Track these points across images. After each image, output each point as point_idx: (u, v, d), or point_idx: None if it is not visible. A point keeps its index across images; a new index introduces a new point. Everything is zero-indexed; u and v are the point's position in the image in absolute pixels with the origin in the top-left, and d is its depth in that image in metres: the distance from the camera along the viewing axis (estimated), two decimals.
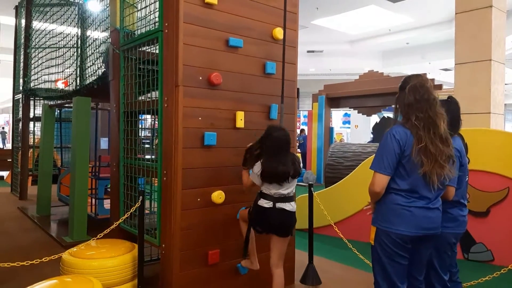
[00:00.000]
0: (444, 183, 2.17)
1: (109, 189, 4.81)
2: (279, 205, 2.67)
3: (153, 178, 3.17)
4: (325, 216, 3.83)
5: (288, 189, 2.72)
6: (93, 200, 5.14)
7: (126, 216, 3.15)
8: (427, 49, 15.50)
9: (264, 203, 2.68)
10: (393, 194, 2.18)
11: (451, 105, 2.56)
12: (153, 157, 3.47)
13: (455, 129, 2.55)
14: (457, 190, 2.47)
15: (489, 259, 4.28)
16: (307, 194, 3.71)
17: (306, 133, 11.81)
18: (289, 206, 2.71)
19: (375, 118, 13.86)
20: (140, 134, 3.72)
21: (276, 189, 2.68)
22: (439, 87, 8.39)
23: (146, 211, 3.49)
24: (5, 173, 10.71)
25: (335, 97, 10.71)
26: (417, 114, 2.13)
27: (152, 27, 3.19)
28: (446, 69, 17.62)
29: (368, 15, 12.35)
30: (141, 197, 3.00)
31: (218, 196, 2.99)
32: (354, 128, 20.32)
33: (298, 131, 14.28)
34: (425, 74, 8.49)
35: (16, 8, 8.29)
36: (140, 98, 3.55)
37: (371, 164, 2.22)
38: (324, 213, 3.82)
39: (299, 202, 3.90)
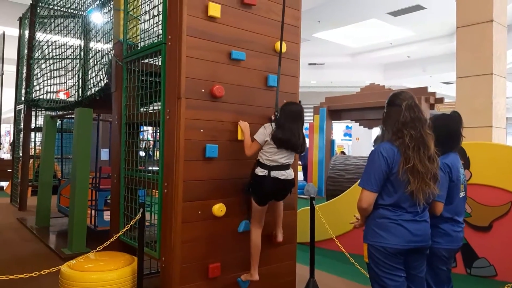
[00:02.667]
0: (428, 200, 2.20)
1: (109, 201, 4.79)
2: (273, 173, 2.80)
3: (154, 190, 3.15)
4: (326, 229, 3.80)
5: (288, 159, 2.86)
6: (93, 211, 5.11)
7: (126, 228, 3.12)
8: (428, 62, 15.58)
9: (259, 171, 2.83)
10: (380, 209, 2.22)
11: (452, 119, 2.55)
12: (154, 168, 3.45)
13: (454, 144, 2.54)
14: (449, 206, 2.46)
15: (492, 275, 4.23)
16: (309, 207, 3.68)
17: (308, 145, 11.79)
18: (283, 175, 2.83)
19: (376, 131, 13.86)
20: (141, 146, 3.71)
21: (275, 157, 2.81)
22: (441, 100, 8.41)
23: (146, 223, 3.47)
24: (5, 184, 10.69)
25: (337, 109, 10.72)
26: (411, 132, 2.14)
27: (155, 39, 3.21)
28: (447, 83, 17.69)
29: (370, 29, 12.46)
30: (141, 210, 2.97)
31: (219, 209, 2.96)
32: (355, 141, 20.32)
33: None
34: (425, 87, 8.54)
35: (20, 19, 8.36)
36: (142, 109, 3.55)
37: (360, 180, 2.24)
38: (325, 227, 3.78)
39: (301, 216, 3.87)
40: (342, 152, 14.00)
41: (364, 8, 10.67)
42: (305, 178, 11.89)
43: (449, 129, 2.54)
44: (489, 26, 6.27)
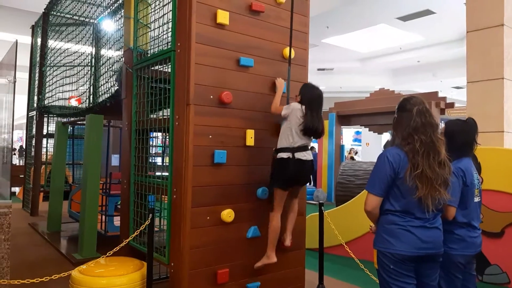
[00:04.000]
0: (438, 206, 2.17)
1: (119, 206, 4.83)
2: (297, 155, 2.90)
3: (163, 196, 3.17)
4: (336, 235, 3.78)
5: (307, 141, 2.98)
6: (103, 217, 5.15)
7: (135, 234, 3.14)
8: (439, 67, 15.47)
9: (284, 155, 2.91)
10: (389, 215, 2.20)
11: (468, 126, 2.53)
12: (163, 174, 3.48)
13: (468, 151, 2.52)
14: (464, 211, 2.43)
15: (505, 282, 4.16)
16: (318, 213, 3.67)
17: (317, 151, 11.76)
18: (304, 156, 2.94)
19: (386, 136, 13.78)
20: (151, 152, 3.74)
21: (297, 139, 2.91)
22: (451, 105, 8.33)
23: (156, 229, 3.48)
24: (17, 189, 10.83)
25: (346, 114, 10.69)
26: (422, 137, 2.13)
27: (165, 47, 3.24)
28: (458, 87, 17.54)
29: (379, 34, 12.42)
30: (151, 215, 2.99)
31: (227, 214, 2.97)
32: (365, 146, 20.20)
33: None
34: (436, 92, 8.48)
35: (33, 27, 8.51)
36: (151, 116, 3.58)
37: (367, 184, 2.25)
38: (335, 233, 3.76)
39: (310, 221, 3.86)
40: (352, 158, 13.92)
41: (373, 13, 10.65)
42: (315, 184, 11.84)
43: (465, 135, 2.52)
44: (499, 30, 6.21)
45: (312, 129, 2.93)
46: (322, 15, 10.04)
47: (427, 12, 10.44)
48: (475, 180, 2.51)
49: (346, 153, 14.23)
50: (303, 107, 2.95)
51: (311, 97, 2.99)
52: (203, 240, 2.89)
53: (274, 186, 3.00)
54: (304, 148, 2.96)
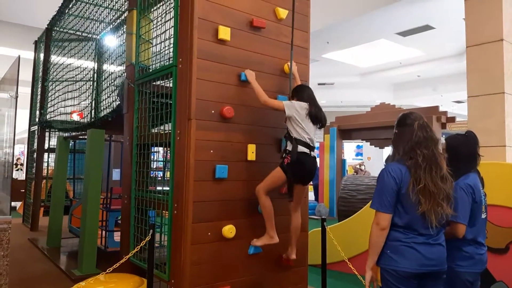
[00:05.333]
0: (441, 221, 2.14)
1: (119, 221, 4.80)
2: (312, 153, 2.96)
3: (164, 211, 3.15)
4: (338, 251, 3.73)
5: (314, 136, 3.00)
6: (104, 232, 5.10)
7: (136, 250, 3.10)
8: (439, 81, 15.52)
9: (305, 149, 2.90)
10: (392, 231, 2.17)
11: (469, 140, 2.52)
12: (164, 188, 3.46)
13: (473, 165, 2.50)
14: (472, 227, 2.40)
15: None
16: (320, 229, 3.63)
17: (318, 165, 11.73)
18: (313, 155, 3.00)
19: (387, 150, 13.75)
20: (152, 166, 3.73)
21: (308, 134, 2.92)
22: (452, 119, 8.34)
23: (156, 245, 3.44)
24: (17, 204, 10.79)
25: (347, 129, 10.70)
26: (424, 151, 2.12)
27: (166, 62, 3.26)
28: (458, 101, 17.56)
29: (379, 49, 12.50)
30: (151, 231, 2.96)
31: (229, 230, 2.94)
32: (367, 160, 20.15)
33: None
34: (436, 106, 8.49)
35: (36, 43, 8.60)
36: (152, 130, 3.59)
37: (371, 203, 2.20)
38: (337, 249, 3.72)
39: (312, 237, 3.82)
40: (355, 172, 13.84)
41: (372, 29, 10.74)
42: (316, 198, 11.78)
43: (467, 149, 2.51)
44: (499, 45, 6.25)
45: (318, 116, 2.97)
46: (322, 30, 10.12)
47: (427, 28, 10.52)
48: (482, 196, 2.49)
49: (354, 167, 14.17)
50: (306, 103, 2.98)
51: (307, 93, 3.05)
52: (204, 257, 2.86)
53: (283, 170, 2.93)
54: (314, 148, 3.00)
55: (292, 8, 3.32)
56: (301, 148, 2.89)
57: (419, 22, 10.19)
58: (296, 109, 2.92)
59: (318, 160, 11.56)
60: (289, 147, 2.93)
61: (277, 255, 3.26)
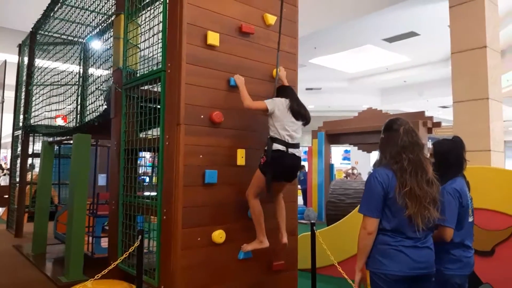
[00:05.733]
0: (428, 225, 2.15)
1: (106, 227, 4.73)
2: (291, 150, 2.90)
3: (152, 216, 3.12)
4: (328, 255, 3.74)
5: (297, 134, 2.98)
6: (90, 238, 5.03)
7: (124, 256, 3.06)
8: (425, 87, 15.76)
9: (279, 147, 2.88)
10: (380, 235, 2.19)
11: (455, 145, 2.56)
12: (152, 194, 3.43)
13: (459, 169, 2.54)
14: (459, 231, 2.43)
15: None
16: (309, 233, 3.64)
17: (306, 170, 11.77)
18: (298, 152, 2.96)
19: (375, 155, 13.87)
20: (140, 172, 3.70)
21: (287, 131, 2.90)
22: (438, 124, 8.46)
23: (145, 250, 3.41)
24: (1, 210, 10.57)
25: (335, 133, 10.77)
26: (410, 156, 2.15)
27: (155, 67, 3.24)
28: (444, 107, 17.84)
29: (366, 54, 12.65)
30: (140, 236, 2.93)
31: (219, 235, 2.93)
32: (354, 164, 20.30)
33: None
34: (422, 112, 8.61)
35: (20, 46, 8.46)
36: (140, 135, 3.56)
37: (359, 207, 2.22)
38: (327, 253, 3.73)
39: (301, 241, 3.82)
40: (346, 176, 13.91)
41: (359, 35, 10.87)
42: (305, 203, 11.81)
43: (453, 154, 2.55)
44: (483, 52, 6.38)
45: (300, 112, 2.98)
46: (309, 36, 10.20)
47: (412, 34, 10.70)
48: (469, 200, 2.53)
49: (345, 171, 14.29)
50: (287, 99, 3.00)
51: (289, 92, 3.09)
52: (194, 262, 2.83)
53: (261, 171, 2.93)
54: (297, 145, 2.97)
55: (280, 10, 3.33)
56: (276, 146, 2.88)
57: (404, 29, 10.35)
58: (277, 104, 2.95)
59: (306, 163, 11.61)
60: (267, 147, 2.94)
61: (267, 260, 3.26)
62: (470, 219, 2.54)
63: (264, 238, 3.01)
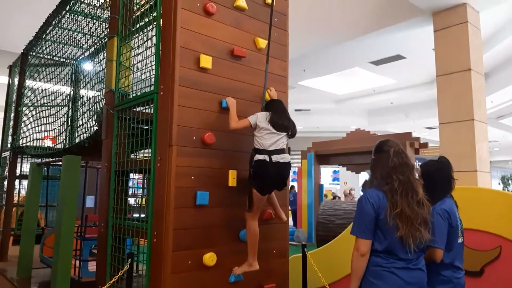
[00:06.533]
0: (419, 246, 2.18)
1: (94, 251, 4.65)
2: (274, 158, 2.89)
3: (141, 239, 3.09)
4: (319, 277, 3.73)
5: (283, 143, 2.98)
6: (77, 262, 4.93)
7: (113, 280, 3.02)
8: (411, 108, 16.03)
9: (260, 156, 2.89)
10: (373, 257, 2.21)
11: (442, 165, 2.61)
12: (141, 215, 3.40)
13: (448, 189, 2.58)
14: (449, 252, 2.45)
15: None
16: (300, 255, 3.63)
17: (296, 190, 11.77)
18: (283, 158, 2.93)
19: (364, 175, 13.96)
20: (130, 193, 3.67)
21: (271, 140, 2.91)
22: (425, 145, 8.59)
23: (134, 274, 3.36)
24: None
25: (324, 154, 10.85)
26: (400, 177, 2.18)
27: (147, 89, 3.28)
28: (430, 128, 18.12)
29: (353, 77, 12.89)
30: (129, 260, 2.89)
31: (209, 258, 2.91)
32: (343, 185, 20.37)
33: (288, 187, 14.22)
34: (410, 133, 8.75)
35: (10, 67, 8.45)
36: (131, 156, 3.55)
37: (351, 229, 2.24)
38: (318, 275, 3.71)
39: (292, 263, 3.81)
40: (334, 197, 13.90)
41: (347, 58, 11.10)
42: (295, 224, 11.76)
43: (441, 174, 2.59)
44: (467, 74, 6.57)
45: (279, 123, 2.98)
46: (298, 58, 10.39)
47: (398, 57, 10.96)
48: (458, 221, 2.56)
49: (344, 191, 14.29)
50: (268, 112, 3.04)
51: (274, 106, 3.13)
52: (184, 285, 2.80)
53: (253, 187, 2.95)
54: (280, 151, 2.95)
55: (270, 15, 3.41)
56: (257, 157, 2.91)
57: (391, 52, 10.61)
58: (259, 118, 3.00)
59: (296, 184, 11.58)
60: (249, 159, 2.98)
61: (259, 283, 3.23)
62: (460, 240, 2.57)
63: (254, 261, 3.00)
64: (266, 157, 2.89)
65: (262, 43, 3.46)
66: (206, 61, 3.05)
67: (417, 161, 8.90)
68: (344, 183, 20.17)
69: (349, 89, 14.50)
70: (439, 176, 2.57)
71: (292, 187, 14.41)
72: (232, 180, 3.13)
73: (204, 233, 2.95)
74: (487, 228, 4.22)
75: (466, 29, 6.72)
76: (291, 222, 12.26)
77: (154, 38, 3.19)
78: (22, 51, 7.57)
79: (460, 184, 5.47)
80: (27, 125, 6.98)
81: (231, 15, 3.31)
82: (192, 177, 2.93)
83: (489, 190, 4.85)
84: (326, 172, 20.86)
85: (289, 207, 12.41)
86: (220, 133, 3.11)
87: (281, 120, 3.02)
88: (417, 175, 2.35)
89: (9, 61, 8.60)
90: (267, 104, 3.20)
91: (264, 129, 2.96)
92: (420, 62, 11.09)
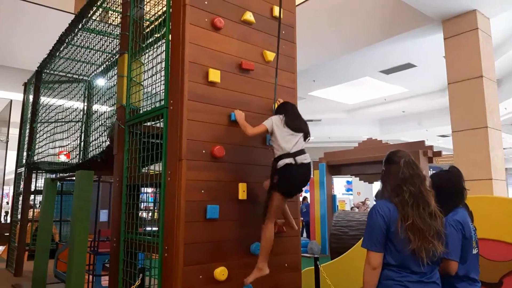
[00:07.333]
0: (433, 259, 2.13)
1: (107, 265, 4.67)
2: (298, 159, 2.88)
3: (153, 254, 3.09)
4: None
5: (301, 143, 2.98)
6: (90, 277, 4.95)
7: None
8: (423, 116, 15.89)
9: (287, 160, 2.86)
10: (385, 270, 2.16)
11: (452, 175, 2.56)
12: (154, 228, 3.41)
13: (460, 200, 2.54)
14: (464, 264, 2.40)
15: None
16: (313, 267, 3.59)
17: (309, 201, 11.69)
18: (305, 159, 2.93)
19: (377, 185, 13.81)
20: (141, 208, 3.69)
21: (291, 142, 2.91)
22: (439, 153, 8.48)
23: None
24: (1, 248, 10.44)
25: (336, 164, 10.78)
26: (410, 188, 2.14)
27: (157, 103, 3.31)
28: (443, 135, 17.91)
29: (363, 86, 12.85)
30: (141, 275, 2.89)
31: (221, 272, 2.89)
32: (356, 195, 20.18)
33: (301, 198, 14.17)
34: (422, 141, 8.66)
35: (25, 84, 8.64)
36: (142, 170, 3.58)
37: (362, 242, 2.21)
38: None
39: (304, 276, 3.76)
40: (357, 207, 13.82)
41: (356, 67, 11.08)
42: (308, 235, 11.65)
43: (452, 185, 2.55)
44: (479, 81, 6.50)
45: (295, 124, 3.00)
46: (308, 69, 10.41)
47: (409, 66, 10.90)
48: (472, 231, 2.51)
49: (355, 205, 14.22)
50: (281, 115, 3.05)
51: (285, 108, 3.13)
52: None
53: (277, 191, 2.92)
54: (302, 152, 2.95)
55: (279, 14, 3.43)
56: (283, 162, 2.88)
57: (401, 61, 10.56)
58: (274, 121, 3.00)
59: (308, 195, 11.49)
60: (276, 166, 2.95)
61: None
62: (475, 251, 2.52)
63: (264, 265, 2.94)
64: (292, 160, 2.87)
65: (270, 55, 3.48)
66: (214, 75, 3.07)
67: (430, 169, 8.78)
68: (357, 194, 19.99)
69: (360, 99, 14.45)
70: (449, 186, 2.53)
71: (305, 198, 14.33)
72: (242, 193, 3.12)
73: (215, 247, 2.94)
74: (504, 238, 4.12)
75: (476, 36, 6.66)
76: (304, 234, 12.16)
77: (163, 53, 3.24)
78: (37, 69, 7.75)
79: (475, 193, 5.38)
80: (41, 141, 7.10)
81: (238, 29, 3.34)
82: (202, 191, 2.93)
83: (504, 198, 4.75)
84: (339, 183, 20.72)
85: (302, 218, 12.39)
86: (230, 146, 3.12)
87: (297, 121, 3.05)
88: (428, 185, 2.31)
89: (24, 79, 8.80)
90: (278, 107, 3.20)
91: (281, 132, 2.96)
92: (431, 70, 11.02)
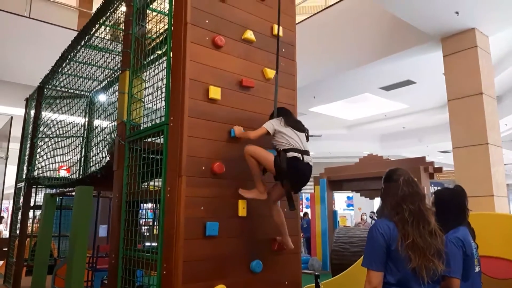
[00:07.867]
0: (433, 278, 2.11)
1: (105, 281, 4.62)
2: (306, 158, 2.89)
3: (152, 271, 3.06)
4: None
5: (304, 142, 2.99)
6: None
7: None
8: (424, 132, 15.91)
9: (296, 154, 2.84)
10: None
11: (457, 194, 2.56)
12: (152, 245, 3.38)
13: (461, 219, 2.53)
14: (466, 282, 2.38)
15: None
16: (313, 285, 3.55)
17: (310, 217, 11.62)
18: (310, 160, 2.94)
19: (378, 201, 13.74)
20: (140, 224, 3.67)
21: (299, 140, 2.92)
22: (440, 169, 8.47)
23: None
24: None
25: (337, 180, 10.75)
26: (410, 207, 2.14)
27: (158, 120, 3.33)
28: (444, 151, 17.90)
29: (364, 102, 12.91)
30: None
31: None
32: (357, 211, 20.06)
33: (301, 214, 14.09)
34: (423, 157, 8.65)
35: (27, 100, 8.69)
36: (142, 186, 3.57)
37: (362, 261, 2.19)
38: None
39: None
40: (360, 223, 13.73)
41: (356, 84, 11.15)
42: (309, 251, 11.55)
43: (455, 203, 2.54)
44: (479, 98, 6.53)
45: (296, 124, 3.04)
46: (308, 86, 10.48)
47: (408, 82, 10.97)
48: (474, 249, 2.50)
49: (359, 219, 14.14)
50: (279, 118, 3.08)
51: (283, 112, 3.15)
52: None
53: (282, 181, 2.93)
54: (308, 152, 2.96)
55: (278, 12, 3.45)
56: (291, 154, 2.88)
57: (401, 78, 10.64)
58: (273, 123, 3.02)
59: (309, 210, 11.41)
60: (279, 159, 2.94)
61: None
62: (477, 269, 2.50)
63: (263, 190, 3.03)
64: (299, 156, 2.87)
65: (271, 73, 3.51)
66: (215, 92, 3.10)
67: (431, 185, 8.76)
68: (358, 209, 19.87)
69: (360, 115, 14.50)
70: (452, 205, 2.52)
71: (306, 213, 14.24)
72: (242, 210, 3.11)
73: (214, 264, 2.91)
74: (506, 255, 4.08)
75: (475, 54, 6.72)
76: (305, 250, 12.05)
77: (164, 71, 3.27)
78: (39, 84, 7.80)
79: (477, 210, 5.35)
80: (42, 156, 7.10)
81: (239, 47, 3.37)
82: (202, 207, 2.92)
83: (506, 215, 4.73)
84: (340, 198, 20.62)
85: (303, 234, 12.28)
86: (229, 162, 3.12)
87: (296, 122, 3.08)
88: (429, 203, 2.30)
89: (25, 94, 8.86)
90: (272, 114, 3.23)
91: (285, 131, 2.97)
92: (431, 86, 11.08)
